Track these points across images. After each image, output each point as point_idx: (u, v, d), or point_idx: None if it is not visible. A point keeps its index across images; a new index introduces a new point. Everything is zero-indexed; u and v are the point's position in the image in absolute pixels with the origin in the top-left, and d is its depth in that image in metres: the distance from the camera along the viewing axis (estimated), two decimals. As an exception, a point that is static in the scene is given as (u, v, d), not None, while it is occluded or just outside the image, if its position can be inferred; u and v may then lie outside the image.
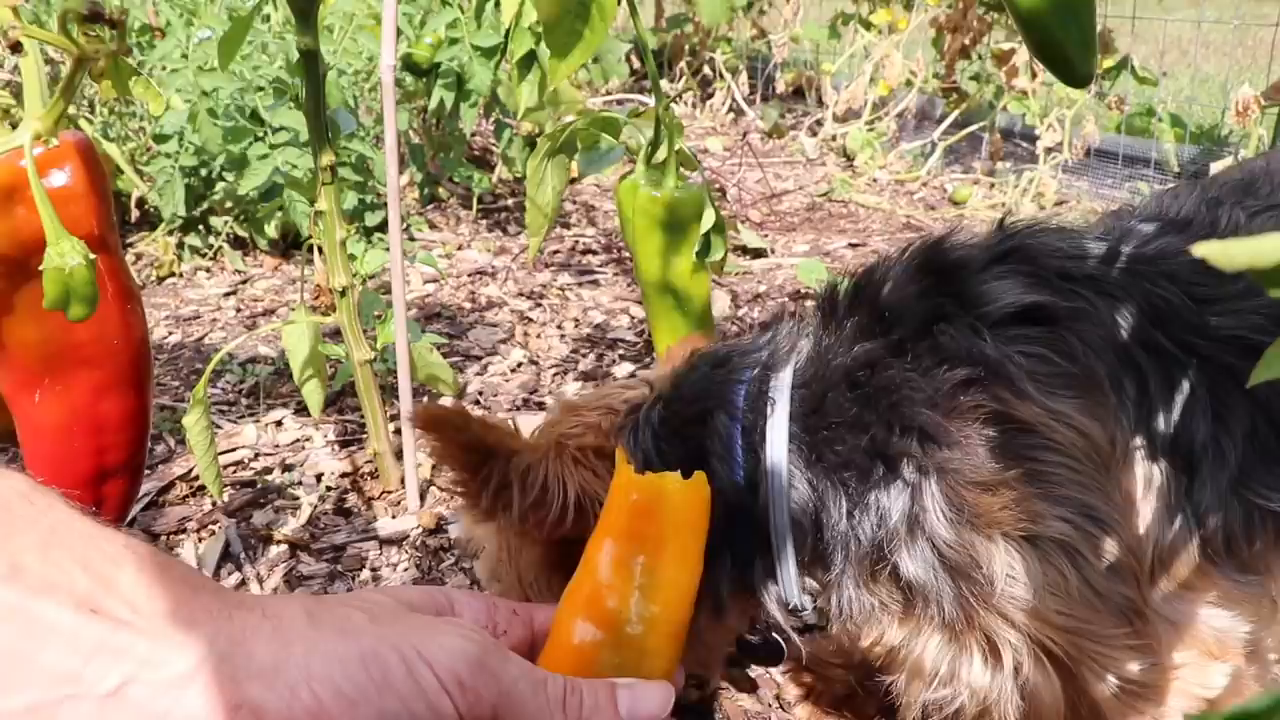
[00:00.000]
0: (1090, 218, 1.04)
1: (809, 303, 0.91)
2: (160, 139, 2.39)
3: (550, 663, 0.66)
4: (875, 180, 3.47)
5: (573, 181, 3.21)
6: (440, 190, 3.05)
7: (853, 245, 2.79)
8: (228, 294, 2.40)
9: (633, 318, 2.25)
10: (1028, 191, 3.07)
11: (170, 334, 2.16)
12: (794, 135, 4.04)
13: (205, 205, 2.52)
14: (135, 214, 2.52)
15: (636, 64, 4.40)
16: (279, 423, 1.74)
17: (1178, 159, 3.26)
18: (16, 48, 0.83)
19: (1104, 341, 0.75)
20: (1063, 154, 3.12)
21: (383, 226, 2.51)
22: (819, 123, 4.04)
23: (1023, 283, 0.77)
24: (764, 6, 4.81)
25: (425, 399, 1.78)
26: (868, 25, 3.82)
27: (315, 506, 1.50)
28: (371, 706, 0.49)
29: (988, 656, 0.77)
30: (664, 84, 1.39)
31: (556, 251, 2.71)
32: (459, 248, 2.72)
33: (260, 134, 2.35)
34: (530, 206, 1.25)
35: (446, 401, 1.77)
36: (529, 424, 0.88)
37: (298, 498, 1.52)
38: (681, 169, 1.14)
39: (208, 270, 2.53)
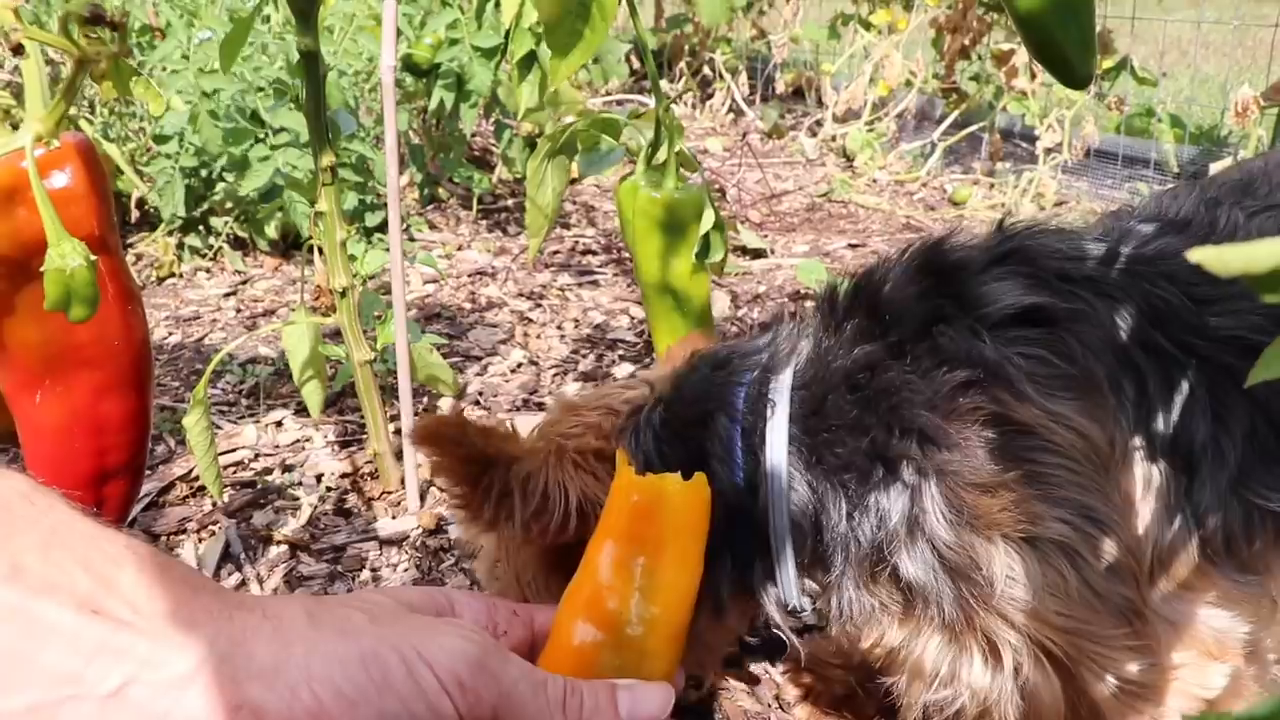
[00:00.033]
0: (1090, 218, 1.04)
1: (809, 303, 0.91)
2: (160, 140, 2.39)
3: (550, 664, 0.66)
4: (875, 181, 3.47)
5: (573, 182, 3.21)
6: (440, 191, 3.05)
7: (852, 246, 2.79)
8: (228, 294, 2.40)
9: (633, 318, 2.25)
10: (1027, 192, 3.07)
11: (170, 334, 2.16)
12: (794, 136, 4.04)
13: (205, 206, 2.53)
14: (135, 214, 2.53)
15: (636, 64, 4.40)
16: (279, 423, 1.74)
17: (1177, 159, 3.26)
18: (18, 50, 0.83)
19: (1103, 343, 0.76)
20: (1062, 154, 3.12)
21: (383, 227, 2.51)
22: (819, 123, 4.04)
23: (1022, 284, 0.77)
24: (764, 7, 4.82)
25: (425, 399, 1.79)
26: (867, 26, 3.83)
27: (315, 507, 1.50)
28: (371, 707, 0.49)
29: (988, 657, 0.77)
30: (664, 84, 1.39)
31: (556, 252, 2.71)
32: (459, 248, 2.72)
33: (261, 135, 2.35)
34: (530, 207, 1.25)
35: (446, 403, 1.77)
36: (528, 425, 0.88)
37: (298, 498, 1.52)
38: (681, 170, 1.15)
39: (208, 271, 2.53)
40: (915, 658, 0.80)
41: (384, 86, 1.27)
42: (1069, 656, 0.76)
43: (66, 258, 0.83)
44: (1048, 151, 3.12)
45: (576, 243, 2.80)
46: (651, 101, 1.13)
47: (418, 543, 1.41)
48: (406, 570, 1.36)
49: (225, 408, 1.81)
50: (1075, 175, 3.38)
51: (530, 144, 2.78)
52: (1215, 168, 2.15)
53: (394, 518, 1.46)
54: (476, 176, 2.98)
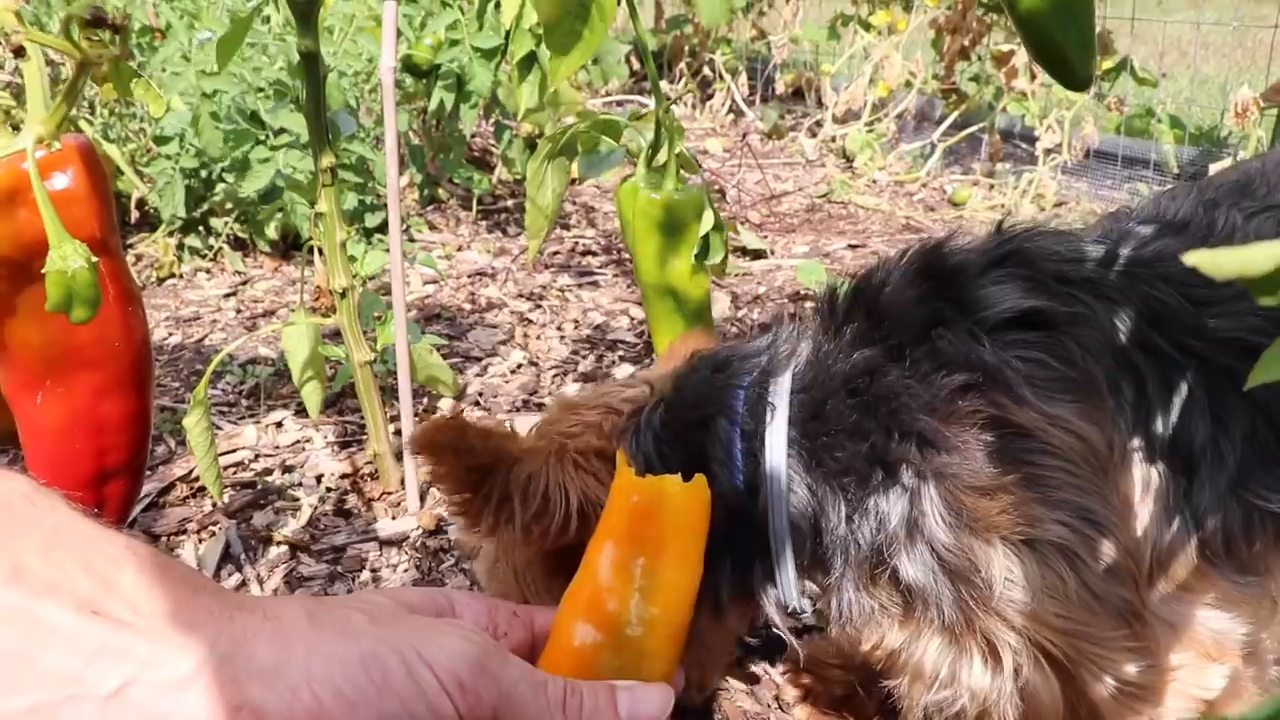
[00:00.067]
0: (1089, 219, 1.04)
1: (808, 305, 0.91)
2: (161, 140, 2.39)
3: (550, 664, 0.66)
4: (875, 181, 3.47)
5: (573, 183, 3.21)
6: (440, 191, 3.05)
7: (852, 246, 2.80)
8: (228, 295, 2.40)
9: (633, 319, 2.25)
10: (1027, 193, 3.07)
11: (170, 335, 2.17)
12: (793, 136, 4.05)
13: (205, 206, 2.53)
14: (135, 215, 2.53)
15: (636, 65, 4.40)
16: (279, 424, 1.75)
17: (1177, 160, 3.26)
18: (20, 52, 0.83)
19: (1102, 345, 0.76)
20: (1062, 155, 3.13)
21: (383, 228, 2.51)
22: (818, 124, 4.04)
23: (1021, 287, 0.77)
24: (763, 8, 4.82)
25: (425, 400, 1.79)
26: (867, 26, 3.83)
27: (315, 508, 1.50)
28: (372, 708, 0.49)
29: (987, 659, 0.77)
30: (664, 85, 1.39)
31: (556, 253, 2.71)
32: (459, 249, 2.72)
33: (261, 136, 2.36)
34: (530, 208, 1.25)
35: (446, 403, 1.78)
36: (528, 426, 0.88)
37: (298, 499, 1.52)
38: (681, 171, 1.15)
39: (208, 271, 2.53)
40: (915, 660, 0.80)
41: (384, 87, 1.27)
42: (1068, 658, 0.76)
43: (68, 259, 0.83)
44: (1047, 152, 3.12)
45: (576, 244, 2.80)
46: (651, 102, 1.13)
47: (418, 543, 1.41)
48: (406, 571, 1.37)
49: (225, 408, 1.81)
50: (1075, 176, 3.38)
51: (530, 145, 2.78)
52: (1215, 168, 2.15)
53: (394, 518, 1.47)
54: (476, 177, 2.98)
